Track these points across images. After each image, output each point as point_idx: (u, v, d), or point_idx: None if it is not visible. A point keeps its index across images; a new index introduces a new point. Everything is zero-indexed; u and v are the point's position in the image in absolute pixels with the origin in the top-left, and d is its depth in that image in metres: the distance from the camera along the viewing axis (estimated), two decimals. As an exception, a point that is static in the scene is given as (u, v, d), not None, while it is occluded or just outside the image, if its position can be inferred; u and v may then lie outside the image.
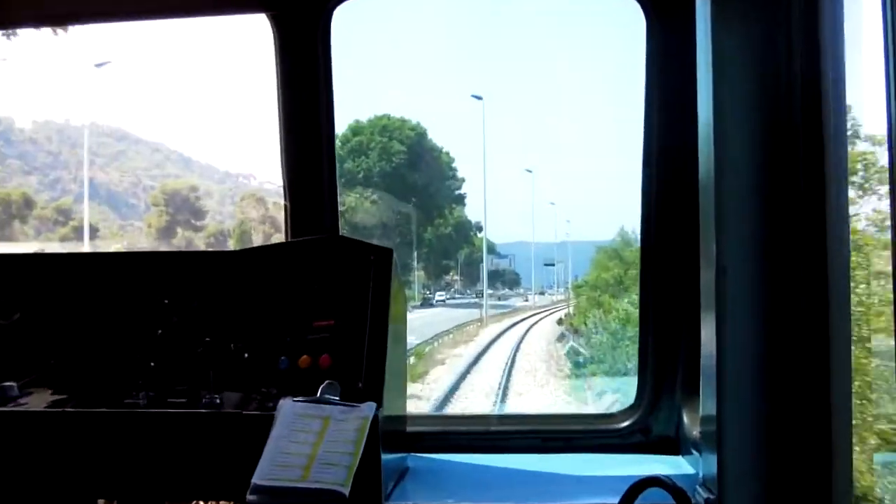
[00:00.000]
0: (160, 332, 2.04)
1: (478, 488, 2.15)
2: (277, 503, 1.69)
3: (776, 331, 1.81)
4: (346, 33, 2.49)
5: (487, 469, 2.31)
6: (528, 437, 2.51)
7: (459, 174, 27.24)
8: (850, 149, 1.77)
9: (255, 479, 1.70)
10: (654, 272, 2.50)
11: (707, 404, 1.87)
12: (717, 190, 1.81)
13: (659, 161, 2.45)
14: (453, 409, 14.16)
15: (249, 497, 1.68)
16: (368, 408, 1.83)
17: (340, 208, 2.50)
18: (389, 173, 24.06)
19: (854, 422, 1.76)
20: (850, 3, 1.72)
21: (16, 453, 1.87)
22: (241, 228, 25.44)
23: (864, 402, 2.18)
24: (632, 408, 2.53)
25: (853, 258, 1.77)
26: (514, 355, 19.66)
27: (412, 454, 2.35)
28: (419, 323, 19.36)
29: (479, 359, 18.97)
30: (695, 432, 2.29)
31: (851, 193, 1.77)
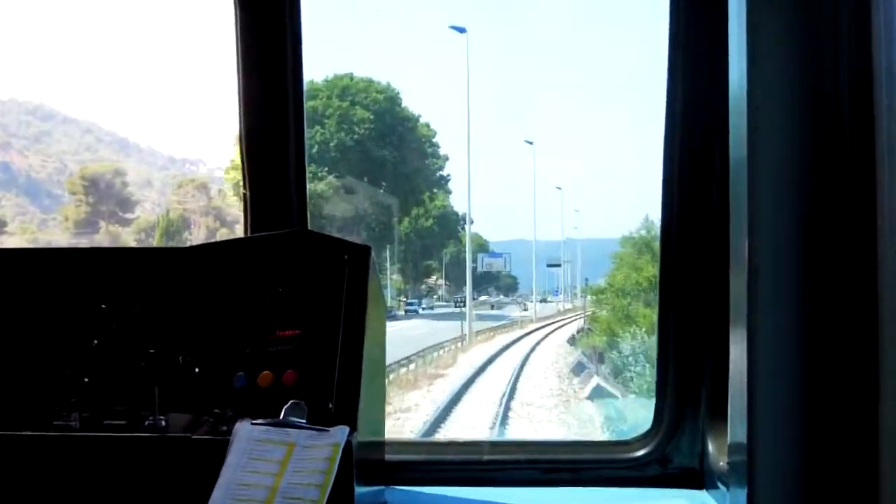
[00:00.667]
0: (96, 342, 2.07)
1: None
2: (233, 544, 1.72)
3: (818, 345, 1.86)
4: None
5: None
6: (528, 467, 2.57)
7: (442, 151, 26.32)
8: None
9: (208, 516, 1.73)
10: (676, 275, 2.57)
11: (736, 430, 1.92)
12: (750, 179, 1.86)
13: (682, 146, 2.51)
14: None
15: None
16: (340, 432, 1.86)
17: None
18: (351, 148, 23.40)
19: (907, 451, 1.81)
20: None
21: None
22: (169, 220, 25.18)
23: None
24: (648, 434, 2.59)
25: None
26: (508, 402, 18.39)
27: (391, 487, 2.40)
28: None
29: (449, 412, 17.07)
30: (721, 463, 2.35)
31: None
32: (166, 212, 26.01)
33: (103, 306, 2.10)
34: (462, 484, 2.50)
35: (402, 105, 24.86)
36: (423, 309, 28.81)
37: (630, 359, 18.25)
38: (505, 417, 17.28)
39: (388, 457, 2.35)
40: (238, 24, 2.50)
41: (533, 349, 24.08)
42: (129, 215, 25.99)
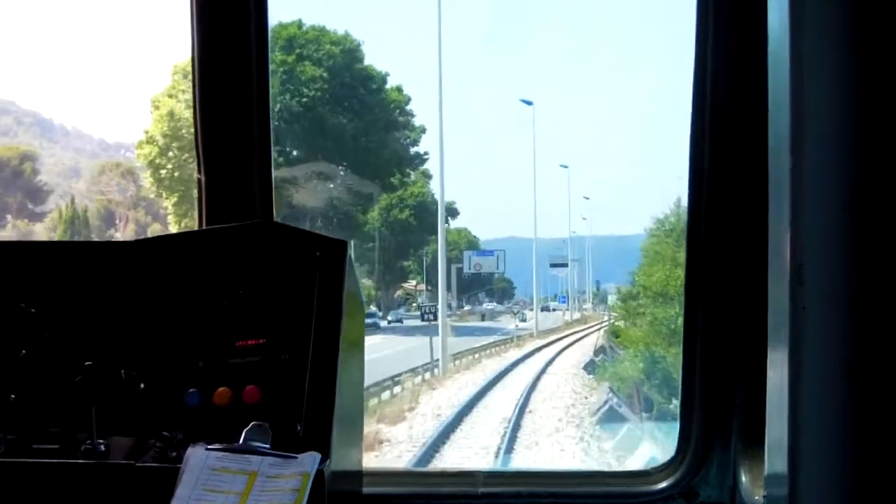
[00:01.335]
0: (24, 352, 2.10)
1: None
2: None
3: (871, 361, 1.90)
4: None
5: None
6: (529, 501, 2.61)
7: (417, 121, 24.97)
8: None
9: (156, 557, 1.77)
10: (705, 279, 2.63)
11: (774, 459, 1.97)
12: (794, 161, 1.89)
13: (713, 125, 2.58)
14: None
15: None
16: (310, 460, 1.90)
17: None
18: (299, 115, 22.75)
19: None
20: None
21: None
22: (74, 213, 24.81)
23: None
24: (672, 463, 2.65)
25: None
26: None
27: None
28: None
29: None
30: (757, 497, 2.41)
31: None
32: (70, 201, 25.73)
33: (32, 311, 2.13)
34: None
35: (364, 61, 24.04)
36: (392, 322, 28.27)
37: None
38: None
39: (366, 489, 2.39)
40: None
41: (534, 384, 22.19)
42: (40, 208, 25.76)
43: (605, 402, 18.62)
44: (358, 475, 2.33)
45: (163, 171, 24.83)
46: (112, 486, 1.91)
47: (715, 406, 2.60)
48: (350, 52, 23.30)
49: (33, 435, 2.00)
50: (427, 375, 22.90)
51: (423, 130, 24.89)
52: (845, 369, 1.90)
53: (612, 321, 28.07)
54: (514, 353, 28.74)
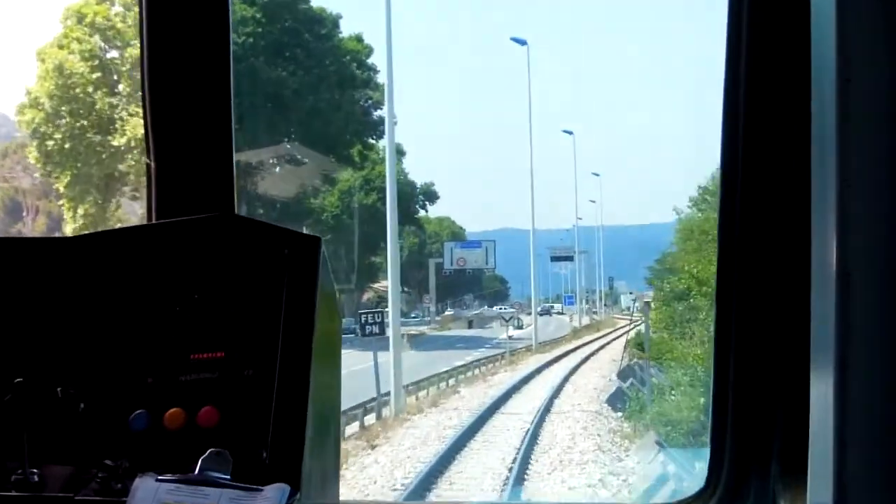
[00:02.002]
0: None
1: None
2: None
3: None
4: None
5: None
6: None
7: (382, 77, 23.53)
8: None
9: None
10: (737, 285, 2.71)
11: (819, 489, 2.03)
12: (840, 151, 1.93)
13: (749, 107, 2.66)
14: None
15: None
16: (278, 493, 1.94)
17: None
18: None
19: None
20: None
21: None
22: None
23: None
24: (702, 495, 2.73)
25: None
26: None
27: None
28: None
29: None
30: (799, 532, 2.49)
31: None
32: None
33: None
34: None
35: (311, 0, 23.85)
36: (345, 332, 26.37)
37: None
38: None
39: None
40: None
41: (535, 434, 19.05)
42: None
43: (660, 477, 13.95)
44: None
45: (49, 143, 24.31)
46: None
47: (750, 431, 2.68)
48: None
49: None
50: (369, 419, 20.34)
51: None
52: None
53: (633, 327, 27.31)
54: (504, 377, 27.23)
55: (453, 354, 29.89)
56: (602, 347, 33.13)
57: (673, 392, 19.28)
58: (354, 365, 20.78)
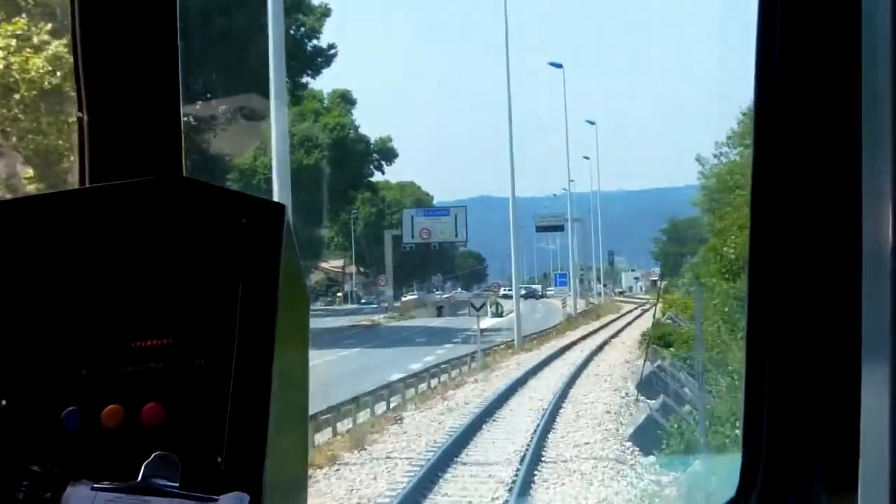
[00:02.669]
0: None
1: None
2: None
3: None
4: None
5: None
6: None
7: None
8: None
9: None
10: (774, 277, 2.79)
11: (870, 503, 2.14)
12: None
13: (781, 74, 2.73)
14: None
15: None
16: (234, 503, 2.00)
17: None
18: None
19: None
20: None
21: None
22: None
23: None
24: (733, 505, 2.79)
25: None
26: None
27: None
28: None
29: None
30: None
31: None
32: None
33: None
34: None
35: None
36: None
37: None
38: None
39: None
40: None
41: None
42: None
43: None
44: None
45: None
46: None
47: (788, 437, 2.76)
48: None
49: None
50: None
51: (327, 13, 24.57)
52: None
53: (650, 311, 25.14)
54: (472, 392, 23.84)
55: (410, 354, 28.02)
56: (607, 342, 30.86)
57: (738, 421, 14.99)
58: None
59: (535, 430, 18.85)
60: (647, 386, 21.55)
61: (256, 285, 2.15)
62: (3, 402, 2.14)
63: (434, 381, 25.75)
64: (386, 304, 38.81)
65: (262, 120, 22.45)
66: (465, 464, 16.86)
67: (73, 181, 2.73)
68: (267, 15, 20.98)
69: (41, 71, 19.06)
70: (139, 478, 1.99)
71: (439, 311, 30.02)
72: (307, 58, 23.78)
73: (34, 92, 19.16)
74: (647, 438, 17.55)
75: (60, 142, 19.32)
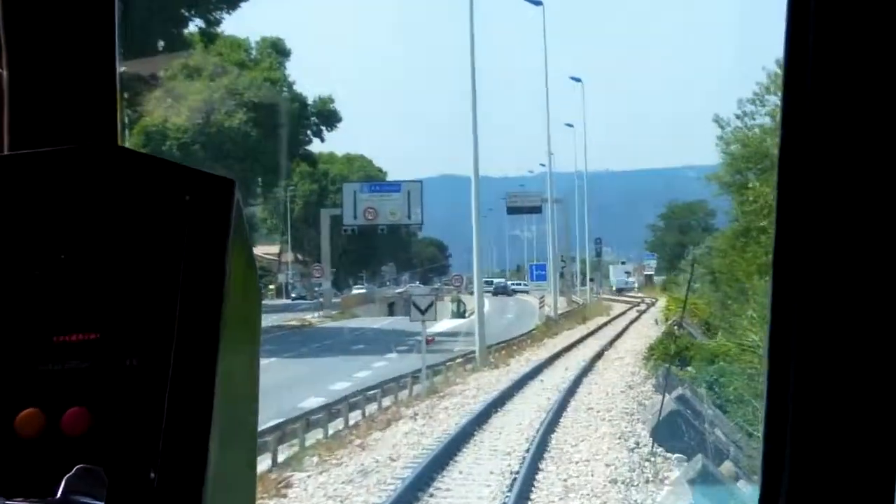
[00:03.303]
0: None
1: None
2: None
3: None
4: None
5: None
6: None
7: None
8: None
9: None
10: (802, 271, 2.86)
11: None
12: None
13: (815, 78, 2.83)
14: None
15: None
16: None
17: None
18: None
19: None
20: None
21: None
22: None
23: None
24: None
25: None
26: None
27: None
28: None
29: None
30: None
31: None
32: None
33: None
34: None
35: None
36: None
37: None
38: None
39: None
40: None
41: None
42: None
43: None
44: None
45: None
46: None
47: (815, 457, 2.83)
48: None
49: None
50: None
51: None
52: None
53: (646, 314, 24.12)
54: (402, 439, 20.51)
55: (339, 367, 26.56)
56: (599, 356, 28.98)
57: None
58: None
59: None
60: (668, 430, 17.81)
61: (200, 273, 2.17)
62: None
63: (356, 415, 23.67)
64: (321, 300, 37.73)
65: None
66: None
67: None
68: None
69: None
70: (59, 494, 2.02)
71: (391, 309, 28.70)
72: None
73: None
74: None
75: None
